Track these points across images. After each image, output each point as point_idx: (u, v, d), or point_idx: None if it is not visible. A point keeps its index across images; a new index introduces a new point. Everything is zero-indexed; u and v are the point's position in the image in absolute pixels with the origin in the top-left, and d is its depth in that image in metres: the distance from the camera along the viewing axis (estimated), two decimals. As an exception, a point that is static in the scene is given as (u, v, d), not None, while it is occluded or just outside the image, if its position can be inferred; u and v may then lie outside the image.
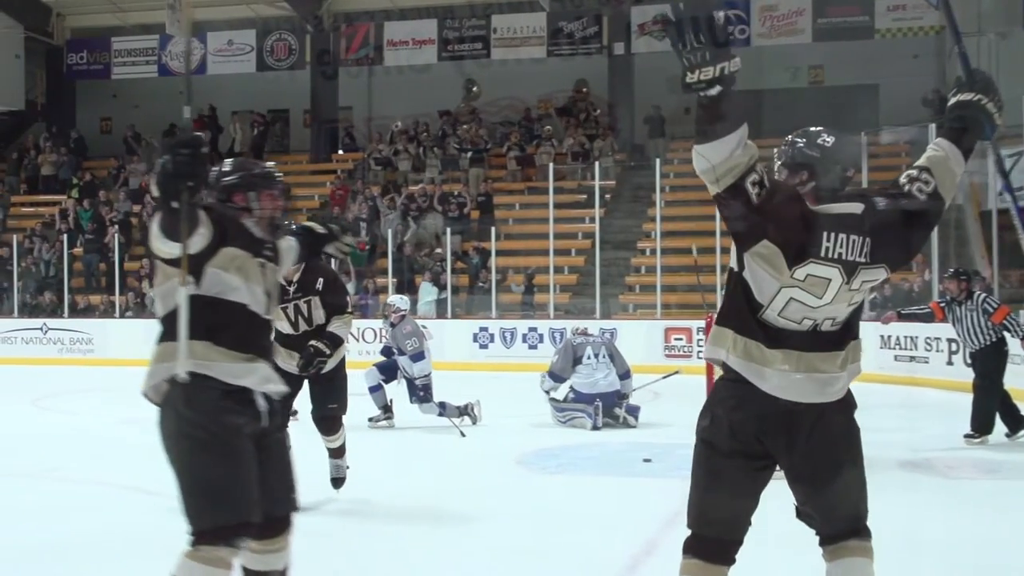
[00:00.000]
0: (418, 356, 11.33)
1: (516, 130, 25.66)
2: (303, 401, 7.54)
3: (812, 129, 3.64)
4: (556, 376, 11.69)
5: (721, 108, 3.18)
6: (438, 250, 21.50)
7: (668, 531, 6.00)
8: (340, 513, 7.04)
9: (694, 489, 3.59)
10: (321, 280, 7.17)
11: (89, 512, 7.28)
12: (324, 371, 7.06)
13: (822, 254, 3.39)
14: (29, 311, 23.29)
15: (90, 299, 23.50)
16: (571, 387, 11.69)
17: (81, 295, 23.58)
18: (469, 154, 25.09)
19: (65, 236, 24.00)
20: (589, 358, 11.62)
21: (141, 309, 22.30)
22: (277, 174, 4.58)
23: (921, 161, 3.60)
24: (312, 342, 6.94)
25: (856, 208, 3.49)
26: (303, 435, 6.42)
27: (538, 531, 6.65)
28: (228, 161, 4.48)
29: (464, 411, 11.30)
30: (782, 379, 3.45)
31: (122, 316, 22.51)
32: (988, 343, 9.83)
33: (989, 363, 9.88)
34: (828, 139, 3.58)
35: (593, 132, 25.35)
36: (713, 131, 3.22)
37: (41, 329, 22.28)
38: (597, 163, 22.27)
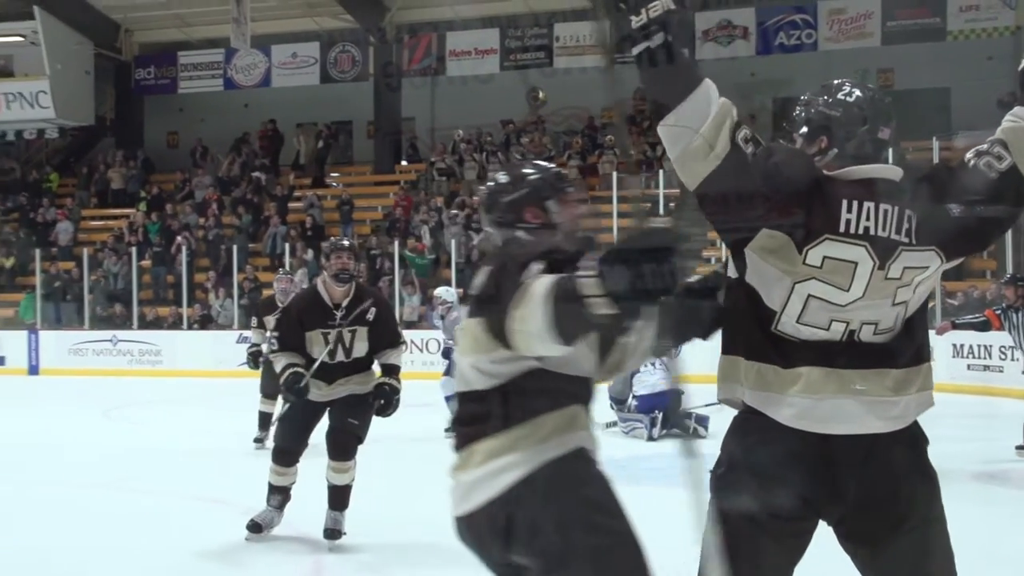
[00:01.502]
0: (448, 352, 11.39)
1: (579, 139, 25.55)
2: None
3: (834, 82, 2.87)
4: (616, 400, 11.62)
5: (677, 58, 2.56)
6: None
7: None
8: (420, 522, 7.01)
9: (706, 563, 2.75)
10: (374, 311, 6.47)
11: (156, 521, 7.30)
12: (351, 394, 6.44)
13: (841, 229, 2.61)
14: (99, 323, 23.38)
15: (158, 311, 23.69)
16: (633, 395, 11.61)
17: (149, 307, 23.78)
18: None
19: (134, 249, 24.24)
20: (645, 366, 11.48)
21: (207, 321, 22.62)
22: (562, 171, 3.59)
23: (995, 134, 2.78)
24: (385, 380, 6.38)
25: (892, 173, 2.72)
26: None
27: None
28: (500, 172, 3.37)
29: None
30: (804, 405, 2.65)
31: (189, 328, 22.59)
32: None
33: None
34: (852, 92, 2.79)
35: (657, 140, 24.87)
36: (680, 89, 2.58)
37: (111, 341, 22.38)
38: (661, 171, 22.00)
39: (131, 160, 28.62)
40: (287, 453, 6.40)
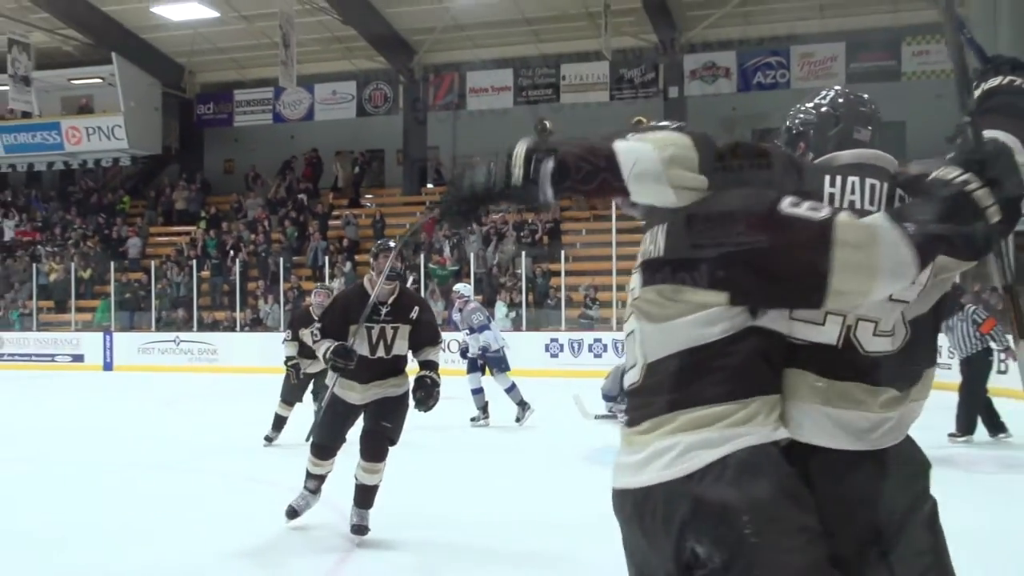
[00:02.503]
0: (483, 327, 11.32)
1: None
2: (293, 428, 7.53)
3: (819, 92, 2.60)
4: (608, 397, 11.45)
5: (589, 156, 2.17)
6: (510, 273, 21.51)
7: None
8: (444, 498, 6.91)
9: None
10: (417, 309, 6.05)
11: (206, 500, 7.39)
12: (386, 396, 5.95)
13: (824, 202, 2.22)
14: (164, 326, 23.60)
15: (215, 315, 23.79)
16: (622, 388, 11.26)
17: (207, 312, 23.86)
18: None
19: (194, 261, 24.40)
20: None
21: (257, 324, 22.71)
22: None
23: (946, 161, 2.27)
24: (426, 373, 5.89)
25: (881, 160, 2.39)
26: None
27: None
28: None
29: (524, 403, 11.19)
30: (796, 413, 2.23)
31: (242, 330, 22.70)
32: (975, 351, 9.63)
33: (975, 370, 9.66)
34: (827, 96, 2.55)
35: None
36: (618, 169, 2.15)
37: (174, 341, 22.55)
38: None
39: (192, 184, 28.69)
40: (325, 449, 6.05)
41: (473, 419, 11.22)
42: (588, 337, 19.34)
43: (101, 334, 23.13)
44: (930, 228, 2.02)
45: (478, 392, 11.34)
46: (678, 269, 2.17)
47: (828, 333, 2.22)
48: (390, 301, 5.91)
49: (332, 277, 21.88)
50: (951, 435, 9.58)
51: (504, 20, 24.74)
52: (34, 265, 25.99)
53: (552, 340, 19.48)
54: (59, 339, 23.55)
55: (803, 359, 2.23)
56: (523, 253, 21.39)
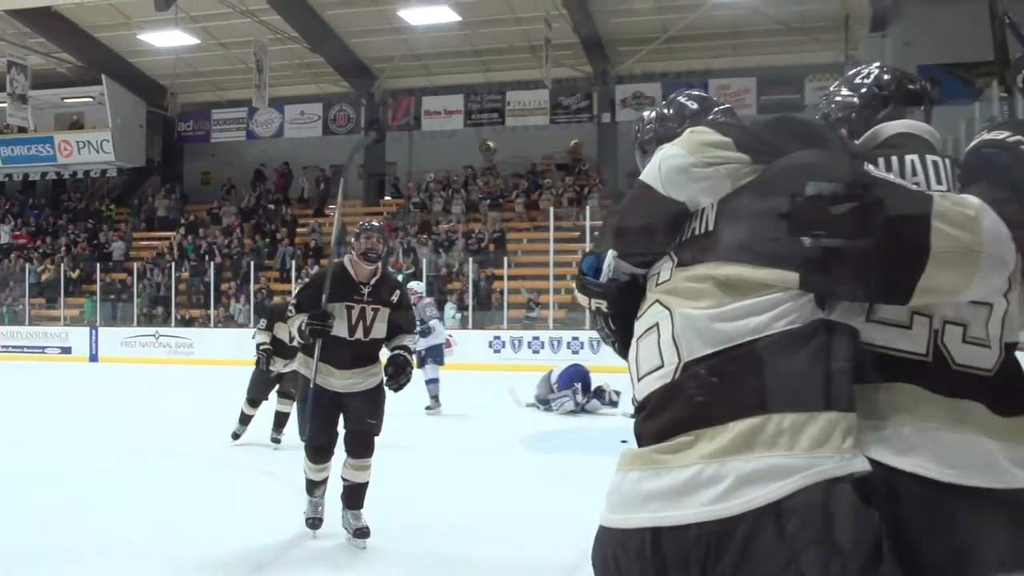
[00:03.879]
0: (433, 318, 11.27)
1: (524, 181, 25.58)
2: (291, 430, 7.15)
3: (853, 70, 2.05)
4: (541, 401, 11.36)
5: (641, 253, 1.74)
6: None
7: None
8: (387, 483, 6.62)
9: None
10: (398, 293, 5.35)
11: (187, 478, 7.29)
12: (364, 389, 5.25)
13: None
14: (145, 321, 23.44)
15: (191, 312, 23.65)
16: (552, 384, 11.37)
17: (184, 309, 23.72)
18: (487, 201, 25.01)
19: (172, 263, 24.29)
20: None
21: (229, 320, 22.62)
22: None
23: None
24: (400, 352, 5.24)
25: (930, 132, 1.85)
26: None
27: (539, 500, 6.50)
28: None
29: (437, 398, 11.05)
30: (893, 435, 1.55)
31: (215, 326, 22.61)
32: None
33: None
34: (872, 73, 1.99)
35: (585, 183, 25.26)
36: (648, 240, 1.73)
37: (154, 336, 22.48)
38: (588, 207, 22.18)
39: (172, 194, 28.46)
40: (321, 449, 5.26)
41: (428, 408, 11.18)
42: (527, 335, 19.34)
43: (88, 328, 23.03)
44: (1013, 204, 1.51)
45: (432, 382, 11.28)
46: (735, 244, 1.57)
47: (916, 338, 1.60)
48: (372, 282, 5.23)
49: (298, 279, 21.77)
50: None
51: (456, 51, 24.71)
52: (27, 266, 25.73)
53: (495, 338, 19.47)
54: (49, 332, 23.44)
55: (889, 371, 1.59)
56: (470, 259, 21.44)
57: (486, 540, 5.32)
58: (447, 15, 21.98)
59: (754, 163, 1.61)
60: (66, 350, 22.79)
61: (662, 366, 1.59)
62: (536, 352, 18.98)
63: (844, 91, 2.00)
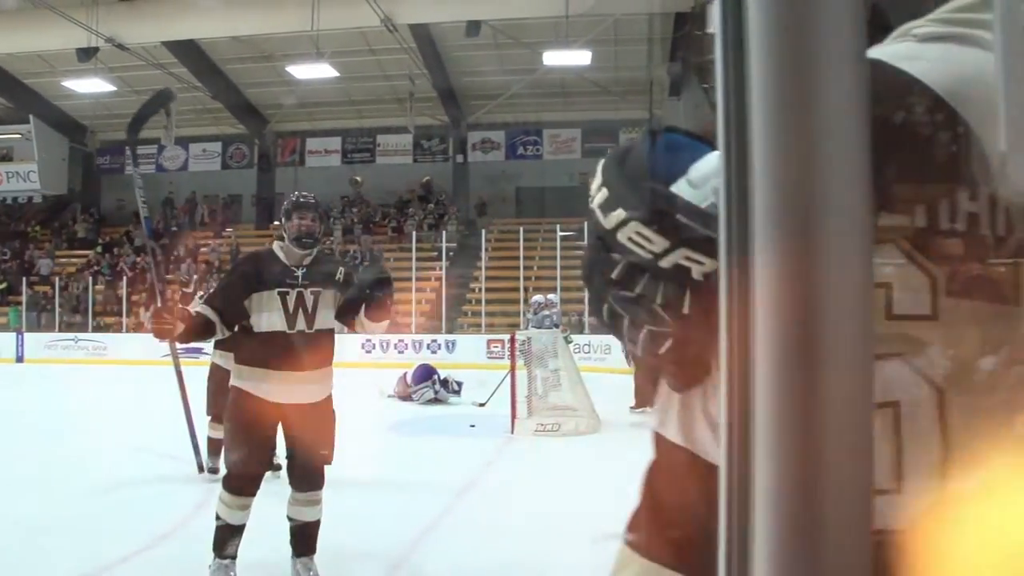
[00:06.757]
0: None
1: (392, 210, 26.39)
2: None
3: None
4: (401, 396, 11.67)
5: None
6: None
7: (486, 471, 6.51)
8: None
9: None
10: (342, 270, 4.11)
11: (98, 464, 7.04)
12: (311, 402, 3.95)
13: None
14: (66, 327, 23.69)
15: (106, 320, 24.03)
16: (408, 382, 11.72)
17: (100, 317, 24.13)
18: (361, 225, 25.83)
19: (91, 278, 24.83)
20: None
21: (139, 327, 22.47)
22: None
23: None
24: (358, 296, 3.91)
25: None
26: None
27: (397, 469, 6.96)
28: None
29: None
30: None
31: (126, 331, 22.88)
32: None
33: None
34: None
35: (442, 212, 26.10)
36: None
37: (74, 340, 22.76)
38: (444, 231, 23.80)
39: (91, 218, 28.78)
40: (243, 479, 3.89)
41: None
42: (393, 338, 20.13)
43: (14, 334, 22.97)
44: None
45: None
46: None
47: None
48: (305, 263, 4.04)
49: (197, 291, 22.73)
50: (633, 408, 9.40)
51: (335, 100, 25.36)
52: (-40, 280, 25.27)
53: (367, 340, 19.61)
54: (-21, 338, 22.63)
55: None
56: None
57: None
58: (327, 71, 22.05)
59: None
60: (-6, 352, 22.00)
61: None
62: (401, 352, 19.71)
63: None
